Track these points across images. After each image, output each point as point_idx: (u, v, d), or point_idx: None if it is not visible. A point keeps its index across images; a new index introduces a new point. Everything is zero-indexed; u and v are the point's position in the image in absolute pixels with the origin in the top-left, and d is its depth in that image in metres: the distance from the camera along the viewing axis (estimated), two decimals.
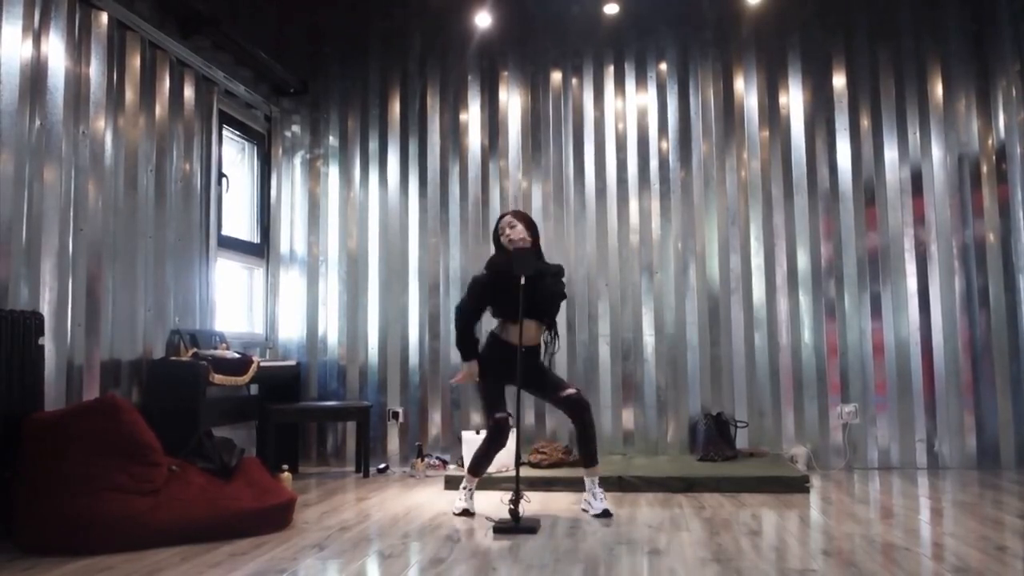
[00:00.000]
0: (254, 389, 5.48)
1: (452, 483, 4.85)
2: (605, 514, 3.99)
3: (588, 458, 4.14)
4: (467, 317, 4.16)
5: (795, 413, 5.58)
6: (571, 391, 4.14)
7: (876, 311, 5.58)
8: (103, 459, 3.44)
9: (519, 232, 4.13)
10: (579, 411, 4.11)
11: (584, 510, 4.13)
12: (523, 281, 3.89)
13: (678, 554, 3.24)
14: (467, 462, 5.05)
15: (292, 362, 5.89)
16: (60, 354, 3.96)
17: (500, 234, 4.19)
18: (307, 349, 6.05)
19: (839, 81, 5.77)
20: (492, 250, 4.28)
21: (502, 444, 4.11)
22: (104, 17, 4.37)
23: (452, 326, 4.41)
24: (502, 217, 4.26)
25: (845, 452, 5.50)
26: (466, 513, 4.12)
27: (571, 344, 5.77)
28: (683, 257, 5.78)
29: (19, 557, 3.25)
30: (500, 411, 4.07)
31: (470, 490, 4.18)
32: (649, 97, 5.95)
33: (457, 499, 4.19)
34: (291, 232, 6.17)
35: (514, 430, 4.04)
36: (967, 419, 5.44)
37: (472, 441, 5.08)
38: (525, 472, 4.36)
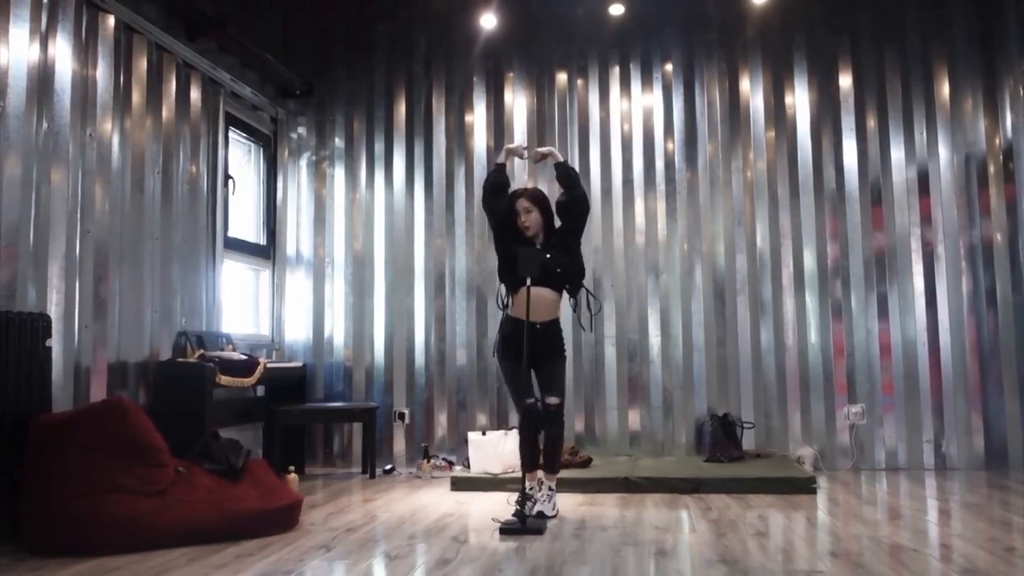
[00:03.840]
0: (260, 390, 5.49)
1: (458, 484, 4.85)
2: (540, 515, 3.89)
3: (550, 466, 4.11)
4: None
5: (802, 414, 5.57)
6: (552, 401, 4.03)
7: (883, 311, 5.57)
8: (110, 460, 3.45)
9: (534, 220, 4.08)
10: (547, 424, 4.04)
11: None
12: (528, 283, 3.90)
13: (685, 556, 3.23)
14: (473, 464, 5.07)
15: (298, 363, 5.90)
16: (67, 356, 3.97)
17: (515, 216, 4.10)
18: (313, 350, 6.06)
19: (845, 81, 5.76)
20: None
21: (536, 431, 4.04)
22: (111, 20, 4.38)
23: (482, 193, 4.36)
24: (518, 197, 4.13)
25: (852, 453, 5.49)
26: (542, 516, 3.93)
27: (577, 345, 5.75)
28: (689, 257, 5.77)
29: (26, 558, 3.26)
30: (528, 396, 3.99)
31: (532, 490, 4.01)
32: (654, 98, 5.94)
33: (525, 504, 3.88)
34: (297, 234, 6.18)
35: (514, 431, 4.01)
36: (975, 420, 5.42)
37: (478, 442, 5.10)
38: None
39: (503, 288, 4.17)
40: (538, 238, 4.12)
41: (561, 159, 4.32)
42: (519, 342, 3.89)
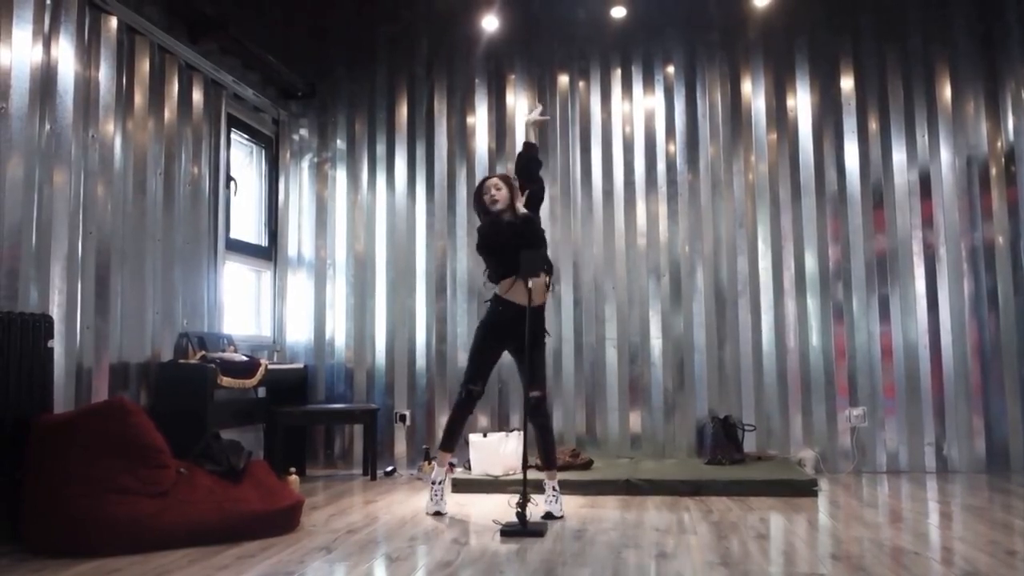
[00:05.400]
0: (262, 392, 5.48)
1: (459, 486, 4.85)
2: (547, 516, 3.99)
3: (546, 461, 4.18)
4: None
5: (803, 416, 5.56)
6: (535, 394, 4.08)
7: (884, 314, 5.56)
8: (111, 461, 3.46)
9: (503, 196, 4.17)
10: (532, 415, 4.08)
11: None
12: (530, 285, 3.92)
13: (686, 558, 3.23)
14: (474, 465, 5.07)
15: (300, 365, 5.90)
16: (69, 356, 3.98)
17: (484, 193, 4.22)
18: (314, 352, 6.06)
19: (847, 83, 5.75)
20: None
21: (467, 415, 4.29)
22: (113, 21, 4.39)
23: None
24: (487, 179, 4.30)
25: (853, 455, 5.48)
26: (439, 515, 4.13)
27: (578, 347, 5.76)
28: (690, 260, 5.77)
29: (27, 558, 3.26)
30: (476, 384, 4.18)
31: (441, 485, 4.24)
32: (656, 100, 5.94)
33: (429, 498, 4.22)
34: (299, 235, 6.19)
35: (521, 434, 4.03)
36: (976, 422, 5.42)
37: (479, 444, 5.10)
38: (532, 475, 4.36)
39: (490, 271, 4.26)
40: (505, 214, 4.18)
41: (534, 141, 4.37)
42: (513, 328, 4.02)
